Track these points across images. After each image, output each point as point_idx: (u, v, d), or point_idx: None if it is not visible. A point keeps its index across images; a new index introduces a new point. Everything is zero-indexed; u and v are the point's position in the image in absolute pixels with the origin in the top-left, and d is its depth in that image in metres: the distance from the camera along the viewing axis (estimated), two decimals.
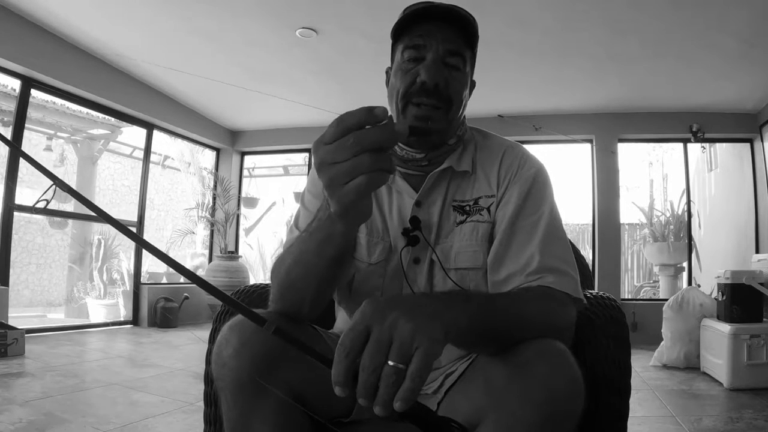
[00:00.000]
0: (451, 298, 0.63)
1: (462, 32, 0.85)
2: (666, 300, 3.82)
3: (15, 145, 0.74)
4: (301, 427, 0.73)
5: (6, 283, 3.78)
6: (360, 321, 0.53)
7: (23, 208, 4.05)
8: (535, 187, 0.87)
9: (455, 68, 0.85)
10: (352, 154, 0.53)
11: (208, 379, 1.03)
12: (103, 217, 0.66)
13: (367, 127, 0.54)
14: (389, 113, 0.57)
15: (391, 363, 0.50)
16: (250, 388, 0.69)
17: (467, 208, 0.88)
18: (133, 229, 5.34)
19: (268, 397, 0.70)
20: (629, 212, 6.40)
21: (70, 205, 5.38)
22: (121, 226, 0.65)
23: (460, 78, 0.86)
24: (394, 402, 0.49)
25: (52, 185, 0.68)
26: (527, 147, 0.97)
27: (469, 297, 0.67)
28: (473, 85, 0.93)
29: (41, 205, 0.69)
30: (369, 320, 0.53)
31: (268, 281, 0.85)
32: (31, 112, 5.20)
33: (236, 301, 0.58)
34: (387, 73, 0.95)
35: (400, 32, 0.87)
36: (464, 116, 0.93)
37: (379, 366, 0.50)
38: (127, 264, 6.25)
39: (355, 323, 0.53)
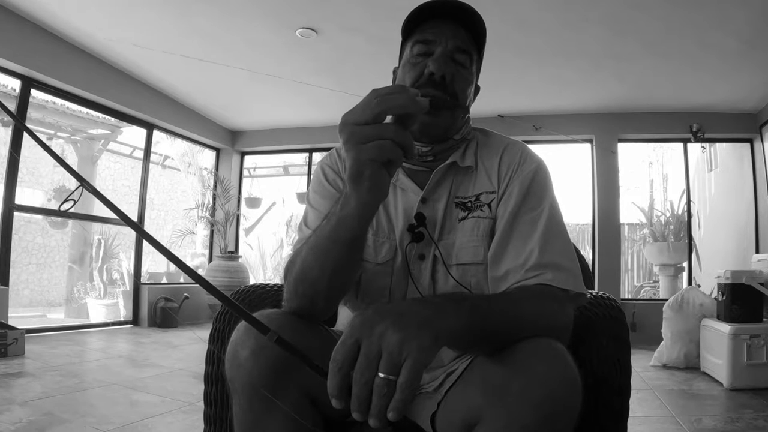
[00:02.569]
0: (444, 301, 0.63)
1: (471, 32, 0.87)
2: (666, 300, 3.82)
3: (46, 146, 0.75)
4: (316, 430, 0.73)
5: (6, 283, 3.78)
6: (350, 335, 0.54)
7: (24, 209, 4.05)
8: (536, 182, 0.87)
9: (462, 65, 0.86)
10: (375, 114, 0.57)
11: (209, 379, 1.03)
12: (125, 220, 0.66)
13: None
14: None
15: (381, 375, 0.51)
16: (265, 391, 0.69)
17: (468, 204, 0.89)
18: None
19: (283, 399, 0.70)
20: (629, 212, 6.41)
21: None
22: (145, 233, 0.66)
23: (466, 75, 0.87)
24: (387, 412, 0.50)
25: (78, 186, 0.70)
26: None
27: (463, 299, 0.67)
28: (477, 89, 0.94)
29: (68, 206, 0.71)
30: (358, 333, 0.54)
31: (269, 281, 0.85)
32: (31, 112, 5.21)
33: (245, 310, 0.59)
34: (394, 72, 0.96)
35: (411, 28, 0.88)
36: (468, 116, 0.93)
37: (369, 379, 0.51)
38: (127, 264, 6.25)
39: (345, 337, 0.54)
